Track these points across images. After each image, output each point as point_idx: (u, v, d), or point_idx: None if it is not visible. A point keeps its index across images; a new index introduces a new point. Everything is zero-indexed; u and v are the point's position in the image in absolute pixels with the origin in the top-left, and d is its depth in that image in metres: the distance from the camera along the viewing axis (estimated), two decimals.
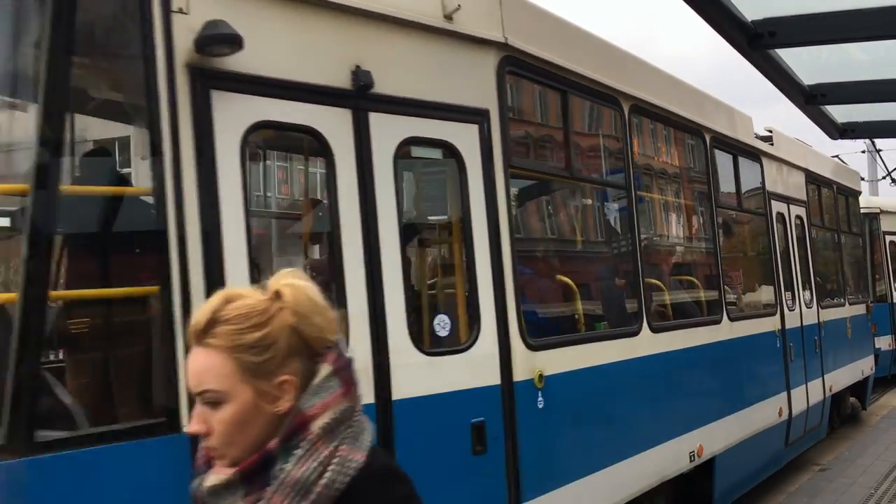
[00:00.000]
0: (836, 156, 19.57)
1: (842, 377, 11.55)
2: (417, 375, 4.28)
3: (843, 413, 12.71)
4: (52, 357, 3.27)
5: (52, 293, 3.17)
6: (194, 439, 3.28)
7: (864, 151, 29.94)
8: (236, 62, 3.69)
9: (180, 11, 3.52)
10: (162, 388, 3.39)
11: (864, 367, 12.97)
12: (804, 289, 10.38)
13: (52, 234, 3.17)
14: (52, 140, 3.20)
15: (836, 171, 13.15)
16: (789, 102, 7.90)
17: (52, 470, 3.06)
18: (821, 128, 9.42)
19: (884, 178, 28.77)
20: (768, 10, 5.78)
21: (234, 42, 3.57)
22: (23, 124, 3.48)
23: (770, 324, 8.98)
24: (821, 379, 10.46)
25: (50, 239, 3.17)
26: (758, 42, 5.95)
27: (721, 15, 5.52)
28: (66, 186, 3.23)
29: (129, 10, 3.47)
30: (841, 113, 9.20)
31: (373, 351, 4.10)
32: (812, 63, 7.20)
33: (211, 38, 3.53)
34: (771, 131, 10.04)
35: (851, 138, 10.75)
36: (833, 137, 9.91)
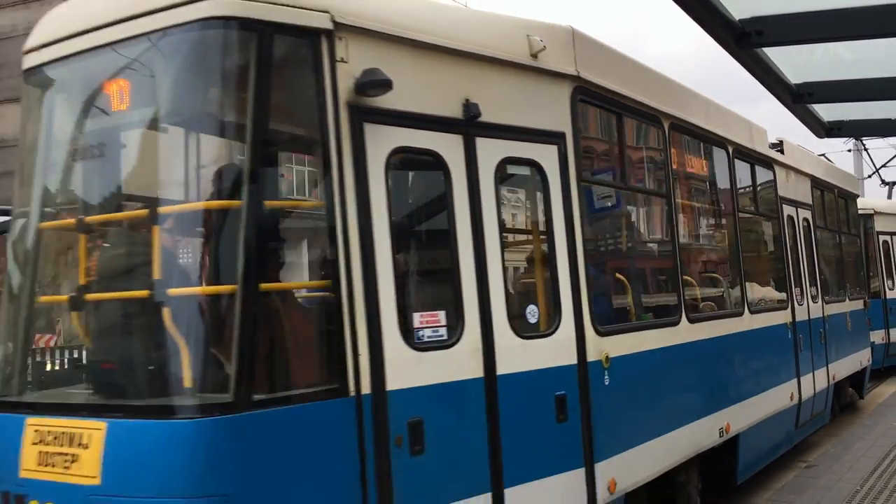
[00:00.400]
0: (823, 154, 20.52)
1: (843, 367, 12.48)
2: (515, 355, 5.16)
3: (843, 401, 13.65)
4: (260, 335, 4.12)
5: (262, 285, 4.05)
6: (359, 400, 4.18)
7: (849, 150, 30.99)
8: (380, 99, 4.56)
9: (342, 60, 4.40)
10: (334, 360, 4.27)
11: (862, 358, 13.92)
12: (811, 285, 11.32)
13: (260, 237, 4.05)
14: (258, 165, 4.09)
15: (837, 176, 14.11)
16: (774, 101, 8.07)
17: (265, 422, 3.96)
18: (807, 126, 9.73)
19: (869, 176, 29.71)
20: (756, 9, 6.02)
21: (386, 86, 4.45)
22: (220, 153, 4.36)
23: (782, 317, 9.91)
24: (825, 368, 11.38)
25: (259, 241, 4.05)
26: (745, 41, 6.20)
27: (709, 14, 5.76)
28: (268, 201, 4.11)
29: (306, 61, 4.34)
30: (827, 112, 9.53)
31: (482, 335, 4.99)
32: (799, 62, 7.49)
33: (369, 83, 4.41)
34: (782, 141, 10.96)
35: (838, 137, 11.21)
36: (819, 136, 10.24)
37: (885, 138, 27.15)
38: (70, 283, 4.71)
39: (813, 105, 8.92)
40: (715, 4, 5.73)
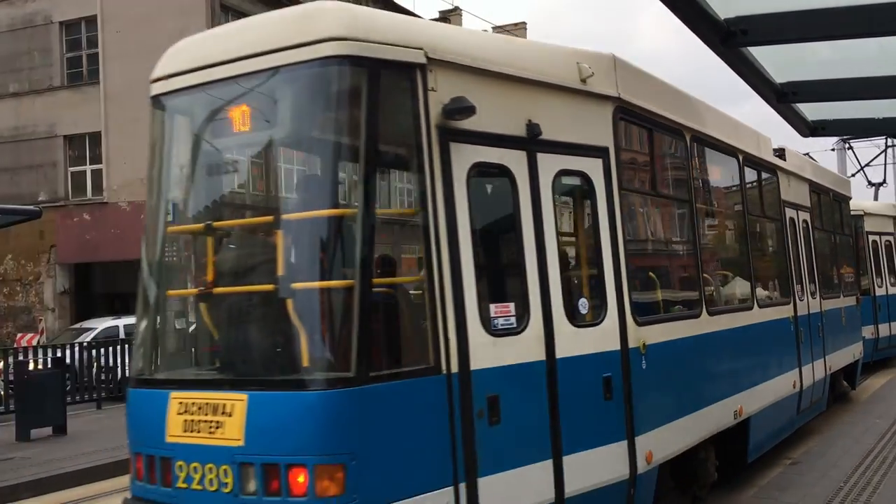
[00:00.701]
0: (808, 154, 21.42)
1: (838, 359, 13.38)
2: (570, 341, 5.96)
3: (837, 392, 14.54)
4: (373, 323, 4.90)
5: (375, 280, 4.84)
6: (449, 378, 4.98)
7: (832, 149, 31.95)
8: (463, 122, 5.34)
9: (432, 90, 5.20)
10: (430, 343, 5.05)
11: (854, 351, 14.83)
12: (809, 282, 12.19)
13: (372, 240, 4.84)
14: (370, 178, 4.88)
15: (832, 180, 15.03)
16: (758, 101, 8.46)
17: (379, 394, 4.75)
18: (792, 126, 10.09)
19: (853, 175, 30.64)
20: (741, 9, 6.22)
21: (471, 111, 5.24)
22: (336, 169, 5.16)
23: (786, 311, 10.78)
24: (823, 359, 12.25)
25: (372, 243, 4.83)
26: (731, 40, 6.40)
27: (695, 13, 5.94)
28: (377, 209, 4.90)
29: (404, 91, 5.13)
30: (812, 111, 9.88)
31: (544, 323, 5.78)
32: (784, 61, 7.70)
33: (456, 110, 5.20)
34: (783, 148, 11.82)
35: (822, 136, 11.35)
36: (804, 135, 10.63)
37: (869, 138, 28.08)
38: (194, 278, 5.50)
39: (797, 104, 9.19)
40: (701, 4, 5.94)
